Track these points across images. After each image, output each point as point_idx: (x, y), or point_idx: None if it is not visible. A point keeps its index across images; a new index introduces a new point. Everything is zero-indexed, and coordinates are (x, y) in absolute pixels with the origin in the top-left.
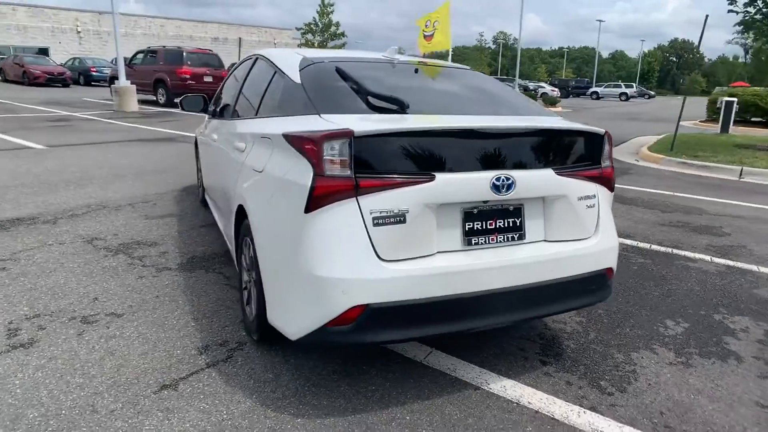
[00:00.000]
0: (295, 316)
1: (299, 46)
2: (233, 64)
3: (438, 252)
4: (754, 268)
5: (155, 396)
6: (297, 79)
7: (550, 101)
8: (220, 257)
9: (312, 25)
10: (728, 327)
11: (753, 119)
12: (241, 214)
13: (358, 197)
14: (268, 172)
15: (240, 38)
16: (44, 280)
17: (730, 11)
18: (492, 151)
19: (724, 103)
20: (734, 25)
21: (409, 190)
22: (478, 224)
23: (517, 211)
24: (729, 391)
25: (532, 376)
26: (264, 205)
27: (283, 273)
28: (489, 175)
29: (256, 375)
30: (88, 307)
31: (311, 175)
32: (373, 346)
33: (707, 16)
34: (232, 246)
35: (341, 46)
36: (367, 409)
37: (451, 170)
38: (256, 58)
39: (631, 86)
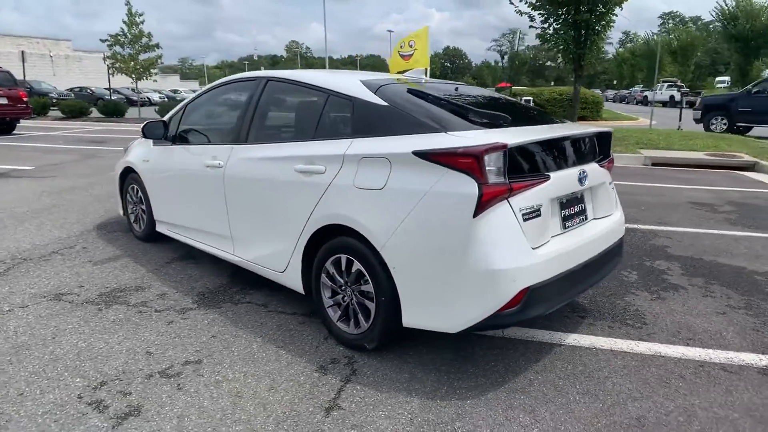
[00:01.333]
0: (457, 312)
1: (106, 58)
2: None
3: (552, 237)
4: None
5: (331, 419)
6: (379, 101)
7: None
8: (235, 287)
9: (120, 36)
10: (658, 269)
11: None
12: (331, 233)
13: (510, 199)
14: (393, 187)
15: (23, 51)
16: (59, 348)
17: (530, 27)
18: (574, 152)
19: (523, 101)
20: (536, 38)
21: (539, 189)
22: (567, 211)
23: (582, 198)
24: (697, 308)
25: (585, 329)
26: (396, 218)
27: (440, 274)
28: (576, 171)
29: (395, 377)
30: (154, 362)
31: (476, 184)
32: (531, 320)
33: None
34: (291, 271)
35: (157, 60)
36: (504, 380)
37: (556, 170)
38: (267, 81)
39: None
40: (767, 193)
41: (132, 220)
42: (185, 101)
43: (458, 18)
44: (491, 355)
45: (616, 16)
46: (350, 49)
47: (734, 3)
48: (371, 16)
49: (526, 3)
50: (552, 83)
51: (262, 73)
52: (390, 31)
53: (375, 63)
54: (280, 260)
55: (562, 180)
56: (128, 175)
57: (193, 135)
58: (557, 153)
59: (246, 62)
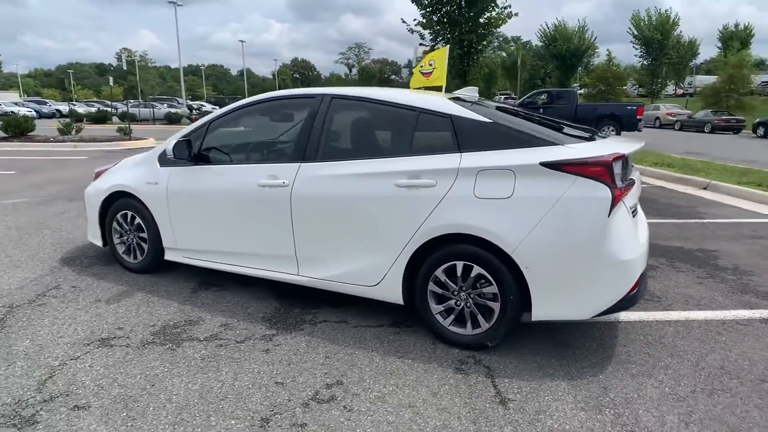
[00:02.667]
0: (591, 299)
1: None
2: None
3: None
4: None
5: (513, 409)
6: (483, 118)
7: None
8: (293, 308)
9: None
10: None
11: None
12: (440, 242)
13: (623, 199)
14: (522, 196)
15: None
16: (173, 395)
17: (420, 44)
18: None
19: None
20: (415, 25)
21: (632, 191)
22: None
23: None
24: (683, 282)
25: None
26: (528, 222)
27: (576, 268)
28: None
29: (526, 367)
30: (295, 390)
31: (607, 188)
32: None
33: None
34: (388, 284)
35: None
36: (608, 356)
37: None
38: (332, 98)
39: None
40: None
41: (121, 251)
42: (208, 119)
43: (298, 30)
44: (582, 339)
45: (494, 36)
46: (187, 57)
47: (553, 27)
48: (208, 24)
49: (415, 23)
50: None
51: (323, 90)
52: (242, 41)
53: (219, 73)
54: (373, 274)
55: (634, 181)
56: (115, 202)
57: (226, 154)
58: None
59: (71, 70)
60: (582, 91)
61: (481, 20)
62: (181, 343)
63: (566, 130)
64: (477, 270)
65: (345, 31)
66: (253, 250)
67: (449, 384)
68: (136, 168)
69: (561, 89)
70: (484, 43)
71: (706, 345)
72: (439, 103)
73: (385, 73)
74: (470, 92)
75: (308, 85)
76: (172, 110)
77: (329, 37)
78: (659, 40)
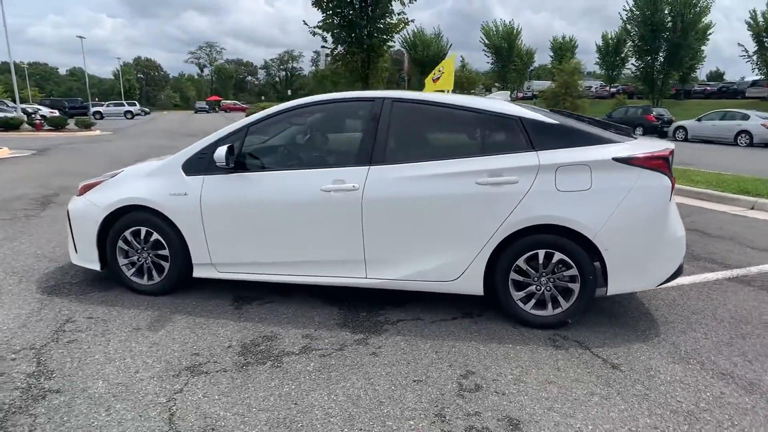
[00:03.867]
0: (657, 272)
1: None
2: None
3: None
4: None
5: (648, 378)
6: (550, 120)
7: (58, 122)
8: (359, 312)
9: None
10: None
11: None
12: (520, 234)
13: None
14: (599, 187)
15: None
16: (354, 418)
17: (323, 47)
18: None
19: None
20: (316, 27)
21: None
22: None
23: None
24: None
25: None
26: (606, 210)
27: (646, 246)
28: None
29: (614, 341)
30: (468, 395)
31: (667, 178)
32: None
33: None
34: (468, 277)
35: None
36: (664, 323)
37: None
38: (393, 102)
39: (134, 104)
40: None
41: (129, 273)
42: (246, 123)
43: (134, 26)
44: (623, 310)
45: (394, 41)
46: None
47: (413, 34)
48: (22, 16)
49: (318, 26)
50: (263, 98)
51: (379, 94)
52: (81, 37)
53: (43, 72)
54: (453, 270)
55: None
56: (120, 218)
57: (271, 158)
58: None
59: None
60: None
61: (380, 25)
62: (281, 358)
63: (613, 129)
64: (558, 256)
65: (188, 30)
66: (312, 257)
67: (561, 359)
68: (151, 179)
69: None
70: (384, 47)
71: (753, 301)
72: (506, 106)
73: (240, 74)
74: (502, 96)
75: (155, 86)
76: (8, 114)
77: (170, 35)
78: (506, 48)
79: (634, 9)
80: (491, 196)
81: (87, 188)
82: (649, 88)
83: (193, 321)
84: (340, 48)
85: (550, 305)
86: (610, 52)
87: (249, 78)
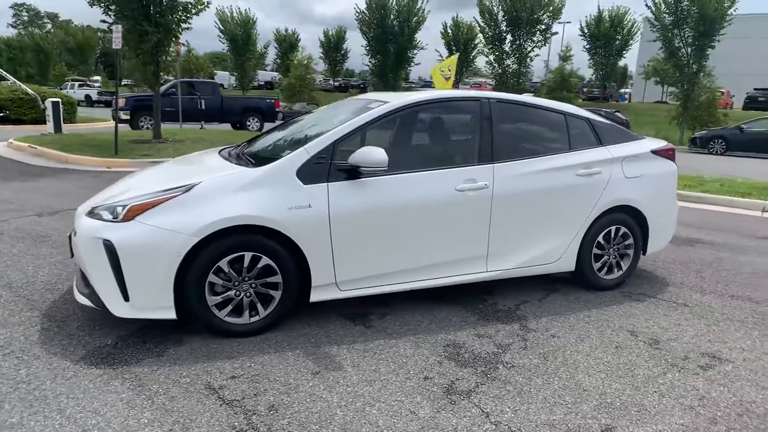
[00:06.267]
0: (670, 234)
1: None
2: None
3: None
4: None
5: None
6: (603, 120)
7: None
8: (491, 302)
9: None
10: None
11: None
12: (616, 211)
13: None
14: (646, 173)
15: None
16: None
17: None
18: None
19: (51, 104)
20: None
21: None
22: None
23: None
24: None
25: None
26: (651, 191)
27: (666, 216)
28: None
29: (668, 300)
30: (684, 355)
31: (674, 165)
32: None
33: None
34: (566, 257)
35: None
36: (684, 284)
37: None
38: (497, 102)
39: None
40: None
41: (223, 314)
42: (361, 123)
43: None
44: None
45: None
46: None
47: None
48: None
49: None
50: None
51: (481, 94)
52: None
53: None
54: (556, 252)
55: None
56: (212, 244)
57: (396, 159)
58: None
59: None
60: None
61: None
62: (495, 367)
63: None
64: (623, 230)
65: None
66: (438, 259)
67: (651, 303)
68: (254, 191)
69: (205, 80)
70: (183, 27)
71: (705, 260)
72: (573, 108)
73: None
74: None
75: None
76: None
77: None
78: (243, 37)
79: (366, 12)
80: (587, 185)
81: (139, 210)
82: (383, 84)
83: (338, 350)
84: (119, 24)
85: (615, 270)
86: (332, 48)
87: None
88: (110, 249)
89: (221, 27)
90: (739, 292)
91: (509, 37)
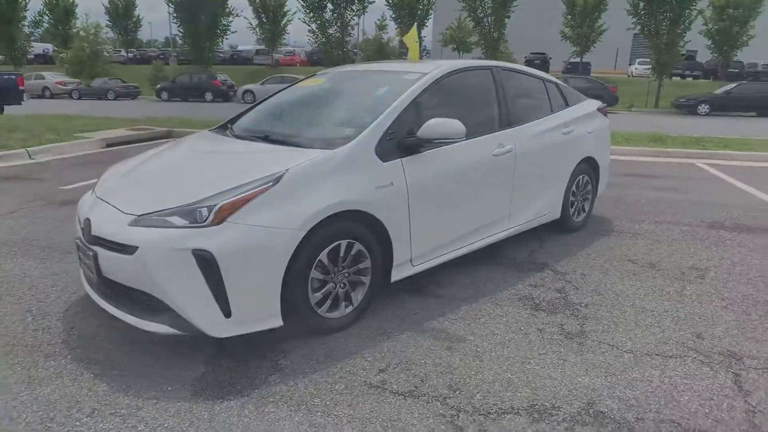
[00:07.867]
0: (606, 179)
1: None
2: None
3: None
4: None
5: None
6: (565, 84)
7: None
8: (543, 278)
9: None
10: None
11: None
12: (583, 162)
13: None
14: (595, 128)
15: None
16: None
17: None
18: None
19: None
20: None
21: None
22: None
23: None
24: None
25: None
26: (600, 144)
27: (606, 166)
28: None
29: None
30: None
31: (608, 120)
32: None
33: None
34: (556, 207)
35: None
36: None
37: None
38: (500, 69)
39: None
40: None
41: (325, 310)
42: (413, 97)
43: None
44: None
45: None
46: None
47: None
48: None
49: None
50: None
51: (488, 63)
52: None
53: None
54: (551, 203)
55: None
56: (312, 237)
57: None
58: None
59: None
60: None
61: None
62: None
63: None
64: (586, 178)
65: None
66: (479, 224)
67: (614, 236)
68: (344, 173)
69: None
70: None
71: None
72: (542, 73)
73: None
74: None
75: None
76: None
77: None
78: None
79: None
80: (569, 142)
81: (230, 209)
82: (198, 54)
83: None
84: None
85: (582, 213)
86: (120, 15)
87: None
88: (205, 259)
89: None
90: (660, 218)
91: (329, 5)
